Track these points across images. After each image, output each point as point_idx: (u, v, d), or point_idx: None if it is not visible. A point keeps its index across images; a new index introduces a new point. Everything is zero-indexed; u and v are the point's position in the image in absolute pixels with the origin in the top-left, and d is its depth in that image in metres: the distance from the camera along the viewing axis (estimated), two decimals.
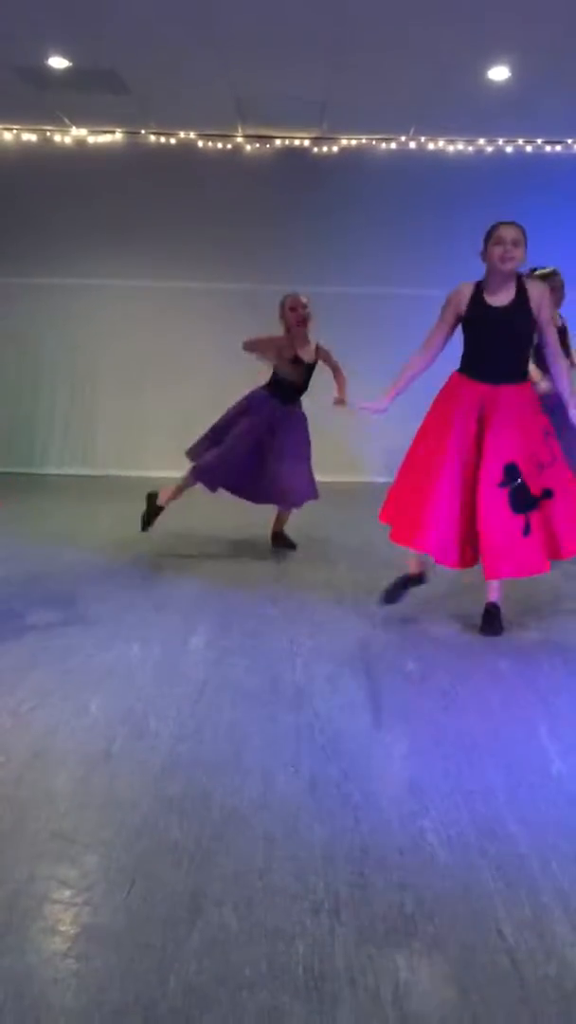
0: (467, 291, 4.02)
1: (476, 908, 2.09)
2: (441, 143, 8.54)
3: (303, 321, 5.51)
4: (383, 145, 8.60)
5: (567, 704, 3.37)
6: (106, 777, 2.69)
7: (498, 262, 3.90)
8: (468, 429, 3.98)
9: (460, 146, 8.54)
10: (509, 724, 3.18)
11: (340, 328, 7.43)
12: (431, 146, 8.57)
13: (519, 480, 3.92)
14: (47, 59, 6.54)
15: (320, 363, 5.63)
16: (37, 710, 3.15)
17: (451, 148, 8.56)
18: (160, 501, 5.63)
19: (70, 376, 8.96)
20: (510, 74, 6.49)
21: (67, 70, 6.77)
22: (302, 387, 5.67)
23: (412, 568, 4.24)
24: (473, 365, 4.04)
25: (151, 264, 8.77)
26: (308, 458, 5.68)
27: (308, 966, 1.88)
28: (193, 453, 5.67)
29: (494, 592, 4.15)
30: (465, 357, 4.09)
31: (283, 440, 5.58)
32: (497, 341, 3.99)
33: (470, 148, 8.54)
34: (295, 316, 5.49)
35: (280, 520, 5.85)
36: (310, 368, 5.62)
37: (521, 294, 3.97)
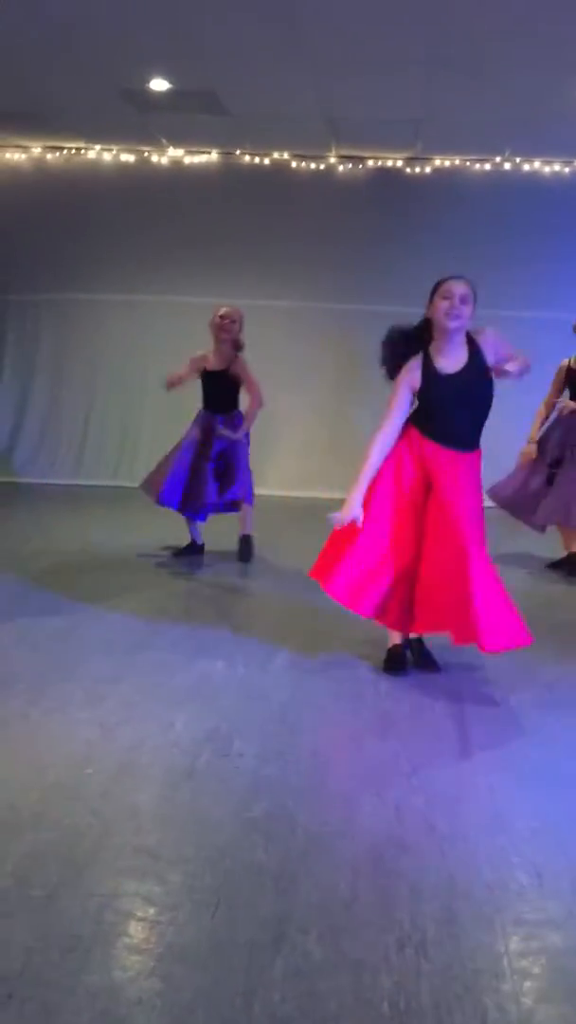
0: (416, 366, 3.73)
1: (570, 953, 2.02)
2: (537, 164, 8.44)
3: (228, 334, 5.67)
4: (477, 166, 8.54)
5: None
6: (190, 795, 2.70)
7: (443, 317, 3.61)
8: (410, 490, 3.77)
9: (556, 167, 8.43)
10: None
11: None
12: (526, 167, 8.48)
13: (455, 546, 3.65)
14: (149, 82, 6.68)
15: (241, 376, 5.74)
16: (123, 724, 3.18)
17: (547, 169, 8.45)
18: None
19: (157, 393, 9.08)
20: None
21: (168, 92, 6.90)
22: (216, 396, 5.77)
23: (394, 638, 3.98)
24: (427, 426, 3.78)
25: (243, 283, 8.83)
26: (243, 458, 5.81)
27: (393, 1002, 1.85)
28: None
29: (396, 635, 3.95)
30: (418, 414, 3.81)
31: (216, 449, 5.71)
32: (451, 409, 3.72)
33: (566, 169, 8.42)
34: (223, 329, 5.68)
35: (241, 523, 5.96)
36: (218, 377, 5.70)
37: (474, 353, 3.70)
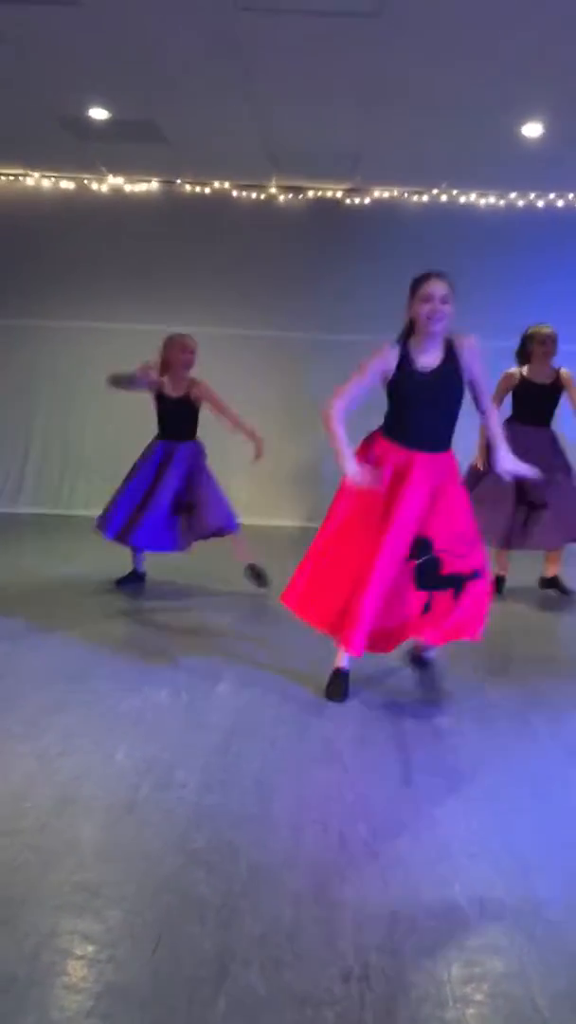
0: (393, 354, 3.71)
1: (510, 979, 2.03)
2: (473, 196, 8.62)
3: (189, 364, 5.63)
4: (415, 198, 8.69)
5: None
6: (131, 828, 2.66)
7: (426, 321, 3.59)
8: (378, 497, 3.74)
9: (492, 199, 8.62)
10: (542, 783, 3.11)
11: None
12: (463, 199, 8.65)
13: (430, 555, 3.70)
14: (88, 110, 6.68)
15: (204, 403, 5.67)
16: (64, 756, 3.13)
17: (483, 202, 8.63)
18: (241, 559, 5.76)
19: (109, 418, 9.02)
20: (544, 130, 6.55)
21: (107, 121, 6.91)
22: (176, 423, 5.68)
23: (339, 661, 3.95)
24: (395, 429, 3.79)
25: (182, 310, 8.84)
26: (210, 486, 5.69)
27: None
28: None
29: (343, 658, 3.92)
30: (388, 418, 3.84)
31: (173, 477, 5.59)
32: (423, 407, 3.72)
33: (501, 202, 8.61)
34: (185, 358, 5.60)
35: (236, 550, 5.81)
36: (177, 403, 5.63)
37: (450, 355, 3.70)
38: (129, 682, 3.94)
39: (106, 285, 8.82)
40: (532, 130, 6.58)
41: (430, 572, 3.72)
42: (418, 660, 4.17)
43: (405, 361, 3.71)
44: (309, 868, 2.47)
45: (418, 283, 3.66)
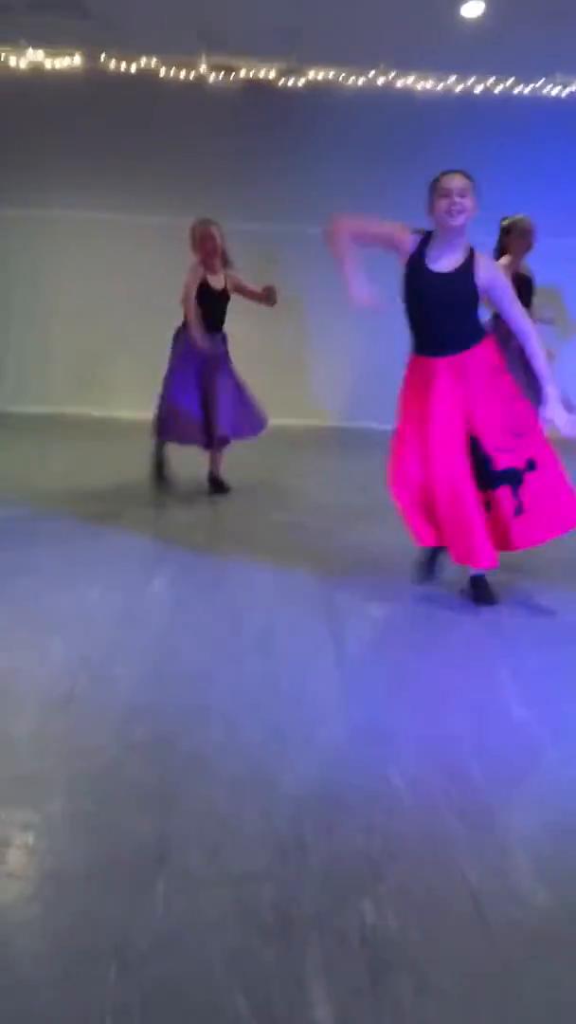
0: (414, 240, 3.62)
1: (441, 853, 2.10)
2: (410, 80, 8.35)
3: (214, 252, 5.48)
4: (351, 80, 8.38)
5: (528, 649, 3.38)
6: (67, 722, 2.66)
7: (446, 215, 3.49)
8: (415, 409, 3.73)
9: (429, 84, 8.36)
10: (473, 670, 3.19)
11: (307, 266, 7.33)
12: (400, 83, 8.37)
13: (479, 454, 3.66)
14: None
15: (235, 294, 5.61)
16: None
17: (420, 86, 8.37)
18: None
19: (25, 309, 8.72)
20: (484, 10, 6.33)
21: None
22: (214, 316, 5.59)
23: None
24: (418, 340, 3.74)
25: (109, 195, 8.51)
26: (242, 391, 5.69)
27: (276, 909, 1.88)
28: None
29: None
30: (411, 333, 3.77)
31: (213, 374, 5.56)
32: (434, 309, 3.63)
33: (439, 86, 8.36)
34: (204, 247, 5.46)
35: (214, 461, 5.76)
36: (219, 296, 5.55)
37: (468, 263, 3.59)
38: (62, 579, 3.90)
39: (24, 168, 8.37)
40: (472, 9, 6.36)
41: (483, 471, 3.66)
42: (472, 582, 3.93)
43: (420, 256, 3.61)
44: (245, 755, 2.50)
45: (435, 181, 3.55)
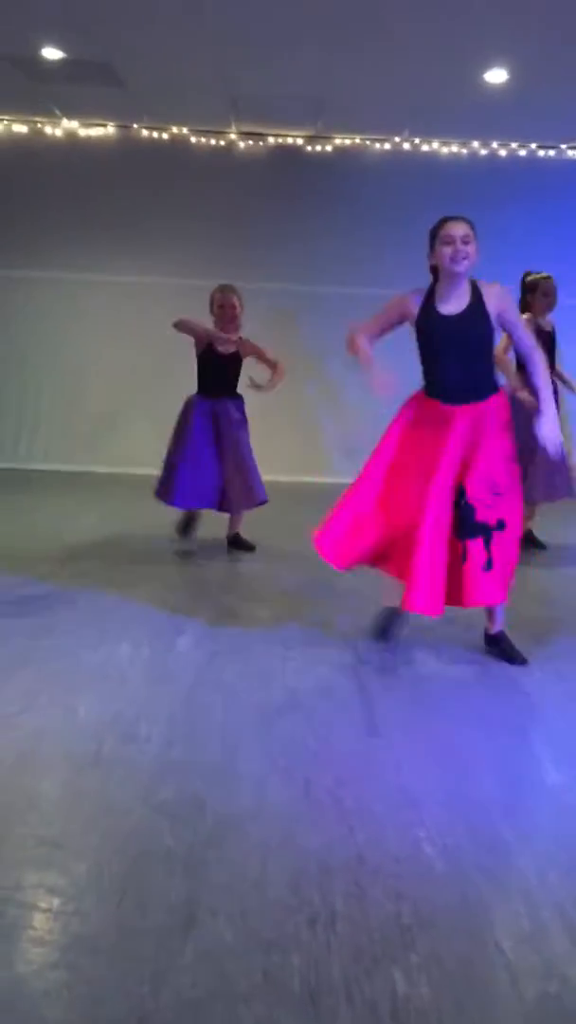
0: (417, 299, 3.68)
1: (474, 921, 2.06)
2: (435, 145, 8.52)
3: (231, 320, 5.50)
4: (377, 145, 8.57)
5: (558, 713, 3.34)
6: (95, 782, 2.65)
7: (449, 263, 3.53)
8: (419, 450, 3.69)
9: (454, 148, 8.52)
10: (503, 732, 3.15)
11: (329, 327, 7.41)
12: (425, 148, 8.54)
13: (464, 502, 3.64)
14: (41, 49, 6.46)
15: (253, 358, 5.61)
16: (24, 712, 3.10)
17: (445, 150, 8.54)
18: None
19: (55, 370, 8.87)
20: (508, 77, 6.47)
21: (61, 61, 6.69)
22: (223, 380, 5.60)
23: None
24: (431, 383, 3.75)
25: (140, 260, 8.71)
26: (250, 457, 5.63)
27: (305, 979, 1.85)
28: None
29: (496, 623, 3.91)
30: (424, 375, 3.78)
31: (225, 439, 5.55)
32: (451, 353, 3.64)
33: (464, 151, 8.53)
34: (224, 315, 5.49)
35: (234, 523, 5.75)
36: (227, 360, 5.56)
37: (476, 299, 3.61)
38: (88, 637, 3.91)
39: (59, 233, 8.62)
40: (496, 76, 6.49)
41: (465, 519, 3.64)
42: (493, 640, 3.95)
43: (429, 306, 3.65)
44: (274, 817, 2.48)
45: (437, 227, 3.61)
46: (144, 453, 8.28)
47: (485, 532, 3.65)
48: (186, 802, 2.53)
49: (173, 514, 5.83)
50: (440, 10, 5.38)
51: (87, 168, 8.57)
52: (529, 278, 5.79)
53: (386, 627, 4.01)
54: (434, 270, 3.68)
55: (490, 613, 3.91)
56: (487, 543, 3.65)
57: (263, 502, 5.62)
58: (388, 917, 2.06)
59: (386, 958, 1.92)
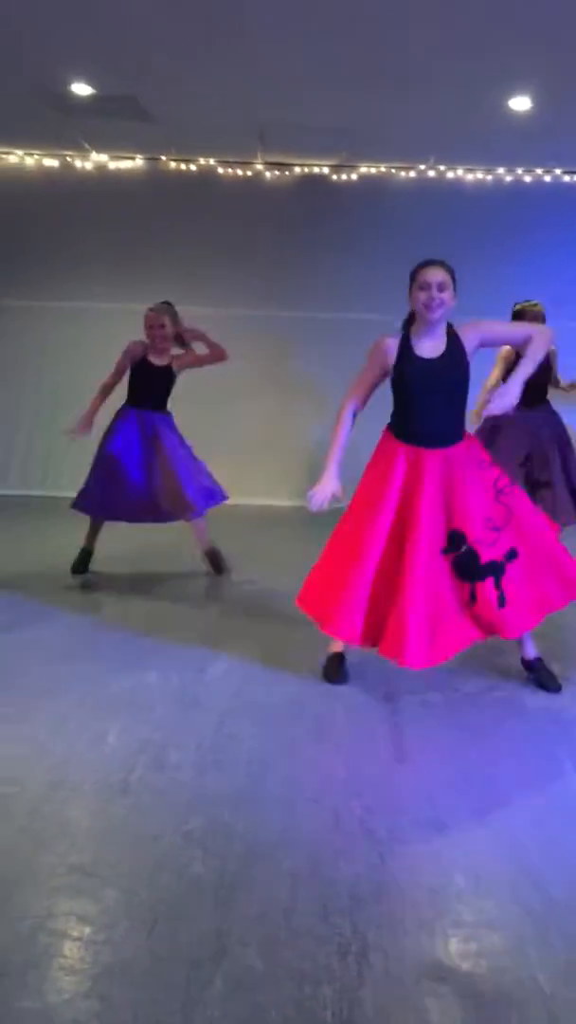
0: (393, 344, 3.64)
1: (510, 954, 2.03)
2: (460, 171, 8.56)
3: (162, 339, 5.51)
4: (402, 173, 8.63)
5: None
6: (125, 810, 2.64)
7: (423, 309, 3.51)
8: (395, 501, 3.62)
9: (479, 175, 8.56)
10: (534, 759, 3.11)
11: (357, 355, 7.43)
12: (450, 175, 8.59)
13: (464, 547, 3.56)
14: (70, 85, 6.58)
15: (181, 368, 5.59)
16: (55, 739, 3.11)
17: (470, 177, 8.58)
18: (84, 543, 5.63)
19: (82, 399, 8.93)
20: (531, 104, 6.50)
21: (90, 97, 6.81)
22: (152, 390, 5.59)
23: (336, 647, 3.90)
24: (403, 425, 3.68)
25: (169, 290, 8.75)
26: (190, 463, 5.58)
27: (336, 1011, 1.83)
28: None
29: (527, 649, 3.88)
30: (395, 415, 3.73)
31: (160, 449, 5.49)
32: (427, 397, 3.60)
33: (489, 177, 8.56)
34: (151, 333, 5.51)
35: (198, 539, 5.64)
36: (158, 372, 5.55)
37: (454, 344, 3.59)
38: (117, 664, 3.91)
39: (91, 264, 8.73)
40: (520, 104, 6.52)
41: (469, 564, 3.58)
42: (529, 666, 3.90)
43: (406, 349, 3.62)
44: (304, 846, 2.46)
45: (416, 271, 3.60)
46: None
47: (496, 571, 3.60)
48: (216, 830, 2.52)
49: (184, 539, 5.84)
50: (464, 39, 5.42)
51: (116, 200, 8.69)
52: (517, 307, 5.83)
53: (340, 667, 3.90)
54: (412, 311, 3.67)
55: (519, 640, 3.86)
56: (498, 581, 3.59)
57: (198, 513, 5.49)
58: (421, 948, 2.03)
59: (419, 990, 1.89)
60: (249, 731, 3.24)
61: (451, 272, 3.57)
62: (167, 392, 5.61)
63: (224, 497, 5.70)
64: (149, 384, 5.57)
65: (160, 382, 5.58)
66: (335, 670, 3.83)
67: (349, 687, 3.75)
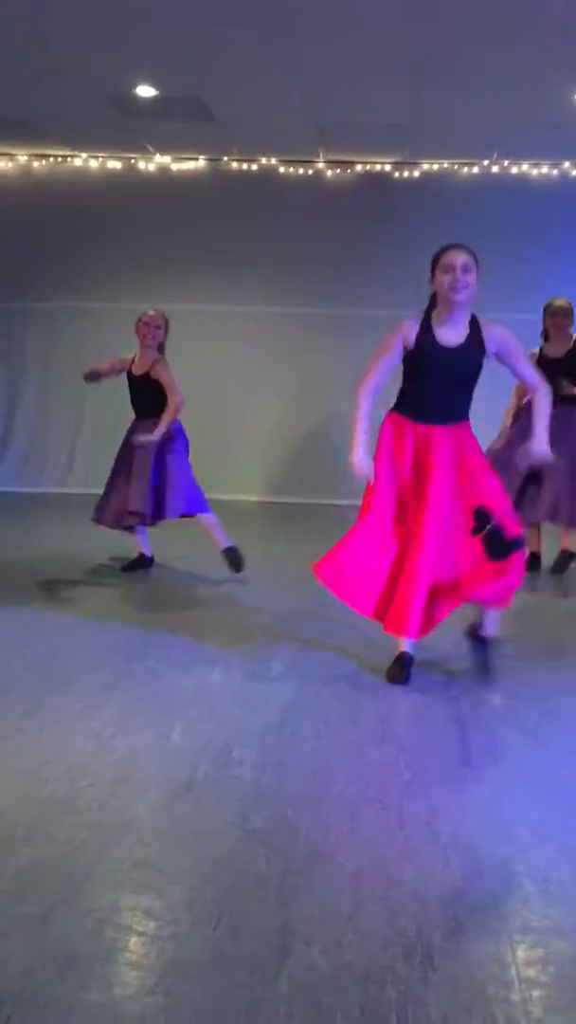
0: (413, 326, 3.65)
1: None
2: (525, 167, 8.45)
3: (151, 339, 5.55)
4: (465, 169, 8.54)
5: None
6: (189, 806, 2.66)
7: (448, 291, 3.52)
8: (406, 478, 3.72)
9: (544, 169, 8.44)
10: None
11: None
12: (514, 170, 8.48)
13: (492, 524, 3.60)
14: (135, 88, 6.65)
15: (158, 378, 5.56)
16: (119, 735, 3.14)
17: (535, 172, 8.46)
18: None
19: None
20: None
21: (153, 98, 6.88)
22: (138, 402, 5.67)
23: (402, 646, 3.87)
24: (412, 404, 3.73)
25: (231, 289, 8.84)
26: (178, 471, 5.58)
27: (402, 1014, 1.81)
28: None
29: (405, 642, 3.82)
30: (404, 395, 3.77)
31: (134, 458, 5.56)
32: (443, 382, 3.65)
33: (555, 171, 8.43)
34: (142, 331, 5.56)
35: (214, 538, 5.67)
36: (140, 380, 5.58)
37: (475, 335, 3.63)
38: (181, 662, 3.94)
39: (155, 266, 8.80)
40: None
41: (499, 541, 3.60)
42: (476, 638, 4.00)
43: (427, 334, 3.64)
44: (368, 848, 2.45)
45: (439, 254, 3.61)
46: (246, 479, 8.45)
47: (520, 546, 3.63)
48: (279, 829, 2.52)
49: (253, 538, 5.87)
50: (526, 32, 5.34)
51: (179, 201, 8.76)
52: (547, 303, 5.80)
53: (407, 666, 3.87)
54: (433, 296, 3.68)
55: (481, 610, 3.86)
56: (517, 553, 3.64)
57: (183, 514, 5.54)
58: (487, 954, 2.00)
59: (485, 996, 1.87)
60: (311, 730, 3.24)
61: (475, 256, 3.58)
62: (155, 398, 5.57)
63: (204, 510, 5.67)
64: (134, 395, 5.70)
65: (143, 391, 5.63)
66: (400, 670, 3.81)
67: (411, 688, 3.72)
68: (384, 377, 3.74)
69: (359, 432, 3.70)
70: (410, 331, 3.65)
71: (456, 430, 3.72)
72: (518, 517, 3.77)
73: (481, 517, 3.63)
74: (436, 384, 3.66)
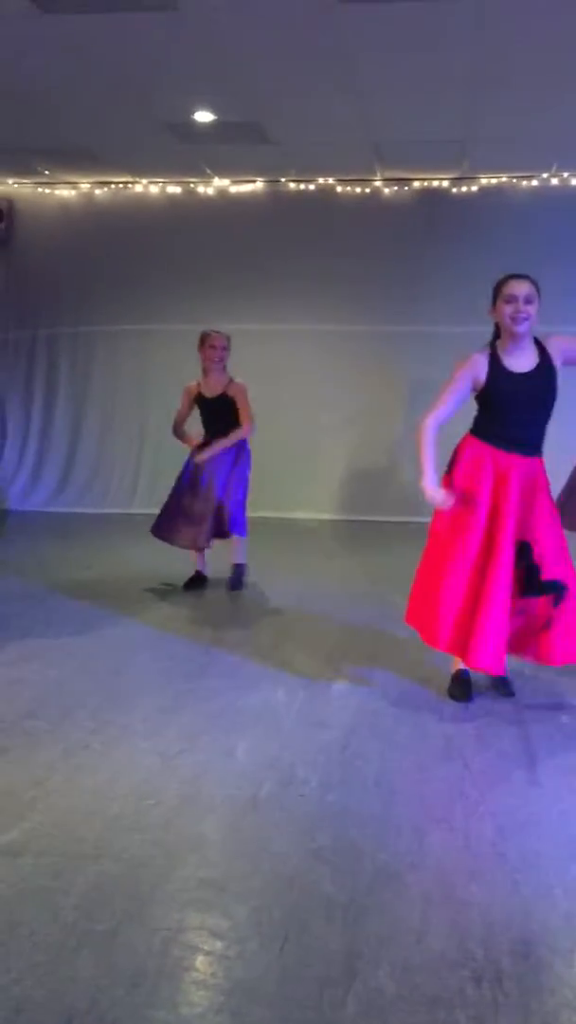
0: (483, 360, 3.60)
1: None
2: None
3: (219, 360, 5.58)
4: (524, 183, 8.49)
5: None
6: (255, 825, 2.66)
7: (510, 323, 3.51)
8: (485, 508, 3.62)
9: None
10: None
11: None
12: (573, 182, 8.39)
13: (531, 560, 3.55)
14: (193, 114, 6.76)
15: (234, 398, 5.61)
16: (185, 753, 3.16)
17: None
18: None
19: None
20: None
21: (212, 124, 6.98)
22: (213, 423, 5.68)
23: (459, 664, 3.83)
24: (490, 431, 3.66)
25: (292, 308, 8.90)
26: (237, 490, 5.67)
27: None
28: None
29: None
30: (481, 422, 3.70)
31: (211, 474, 5.61)
32: (520, 409, 3.60)
33: None
34: (210, 354, 5.58)
35: (232, 552, 5.76)
36: (216, 402, 5.61)
37: (544, 357, 3.58)
38: (244, 681, 3.96)
39: (215, 287, 8.91)
40: None
41: (533, 578, 3.57)
42: (501, 683, 3.90)
43: (496, 366, 3.60)
44: (434, 869, 2.42)
45: (501, 284, 3.59)
46: (301, 498, 8.46)
47: (559, 591, 3.56)
48: (344, 849, 2.51)
49: (318, 555, 5.87)
50: None
51: (238, 222, 8.86)
52: None
53: (466, 684, 3.84)
54: (496, 326, 3.65)
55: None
56: (556, 601, 3.55)
57: (228, 535, 5.66)
58: (558, 978, 1.97)
59: (558, 1022, 1.83)
60: (375, 750, 3.22)
61: (536, 285, 3.56)
62: (232, 417, 5.65)
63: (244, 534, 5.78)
64: (209, 417, 5.73)
65: (219, 412, 5.67)
66: (461, 688, 3.77)
67: (476, 708, 3.68)
68: (451, 412, 3.68)
69: (427, 461, 3.64)
70: (480, 367, 3.60)
71: (532, 465, 3.65)
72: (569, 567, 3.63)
73: (521, 551, 3.58)
74: (514, 411, 3.61)
